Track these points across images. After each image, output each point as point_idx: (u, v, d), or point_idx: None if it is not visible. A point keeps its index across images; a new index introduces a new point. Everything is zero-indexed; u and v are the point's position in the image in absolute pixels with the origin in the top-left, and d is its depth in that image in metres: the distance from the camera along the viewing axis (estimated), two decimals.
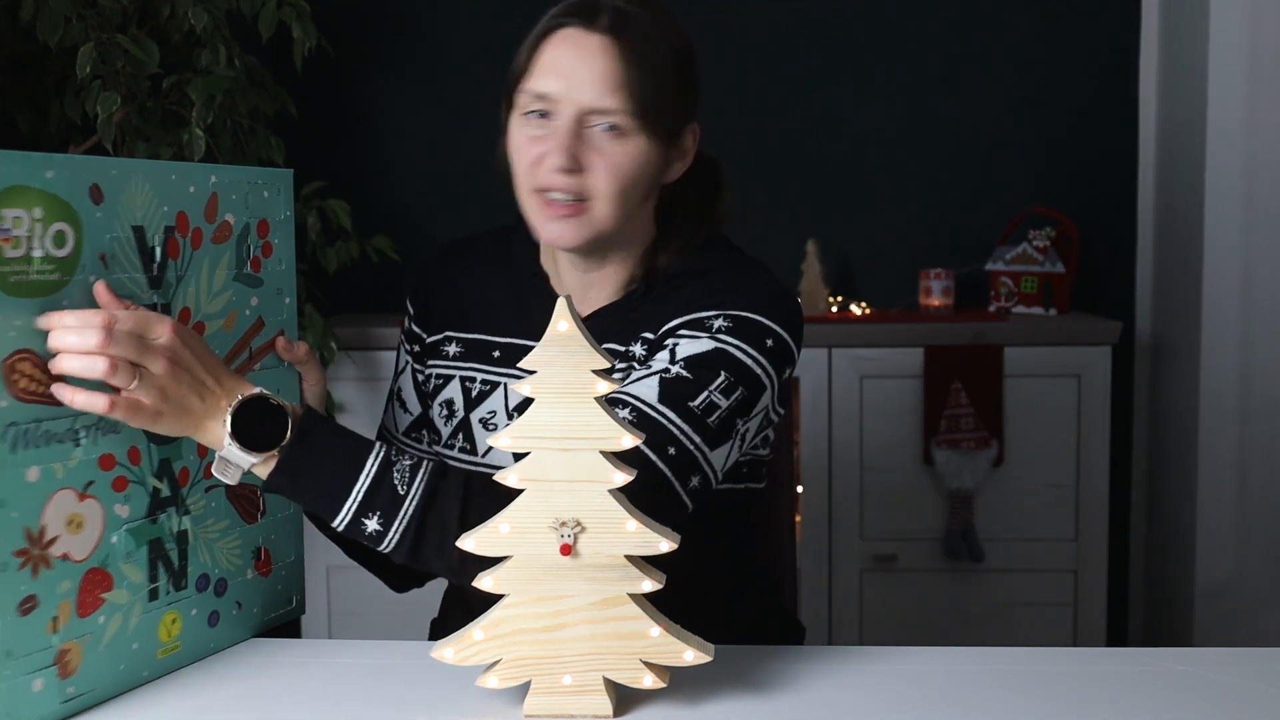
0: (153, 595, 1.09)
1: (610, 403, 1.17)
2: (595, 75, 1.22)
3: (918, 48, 2.96)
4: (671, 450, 1.16)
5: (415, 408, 1.44)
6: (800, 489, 2.65)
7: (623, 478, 0.99)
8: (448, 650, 1.02)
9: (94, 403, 0.98)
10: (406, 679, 1.11)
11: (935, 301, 2.84)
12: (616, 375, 1.25)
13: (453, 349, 1.40)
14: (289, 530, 1.26)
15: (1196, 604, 2.68)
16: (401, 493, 1.09)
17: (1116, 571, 2.94)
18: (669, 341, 1.24)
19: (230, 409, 1.04)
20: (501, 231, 1.44)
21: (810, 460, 2.67)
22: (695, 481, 1.19)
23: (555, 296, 1.35)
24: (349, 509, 1.09)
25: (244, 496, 1.20)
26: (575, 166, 1.23)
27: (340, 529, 1.11)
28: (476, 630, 1.02)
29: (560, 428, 0.98)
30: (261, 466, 1.07)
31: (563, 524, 0.99)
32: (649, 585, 1.00)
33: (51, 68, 2.31)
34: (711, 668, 1.07)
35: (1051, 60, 2.95)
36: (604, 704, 1.02)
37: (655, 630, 1.01)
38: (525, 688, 1.02)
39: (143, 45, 2.07)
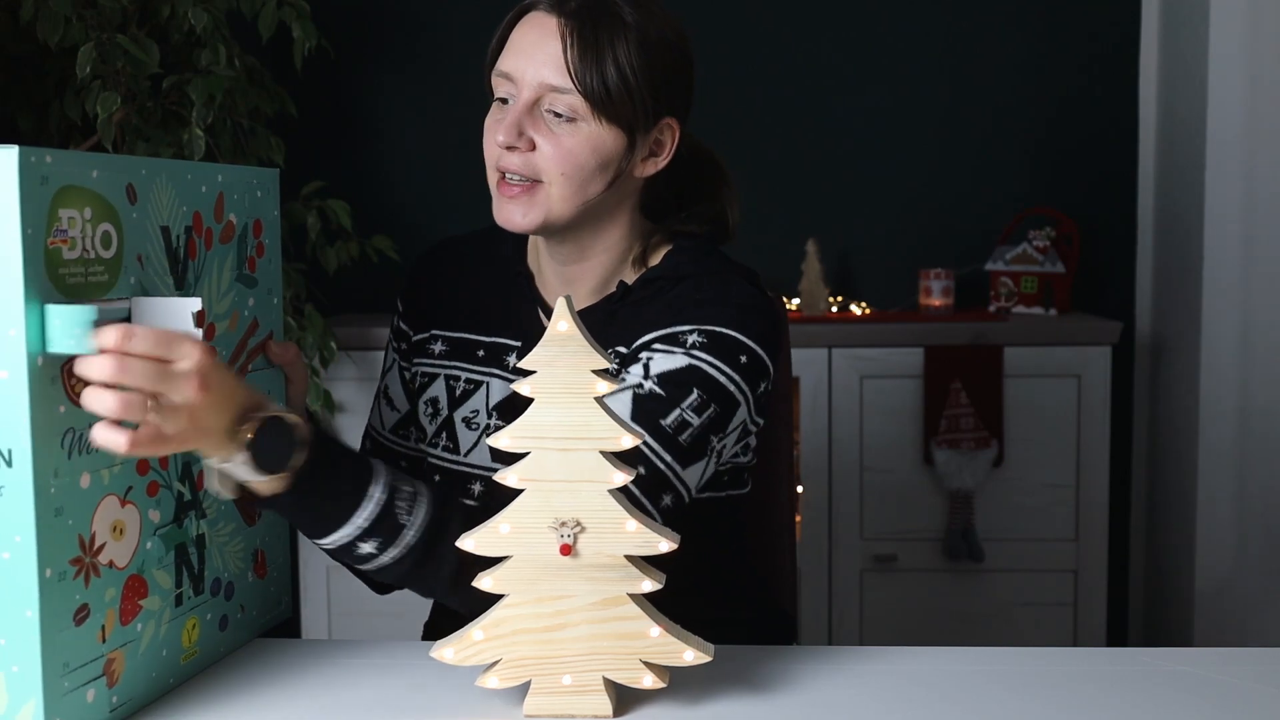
0: (178, 601, 1.08)
1: None
2: (550, 56, 1.22)
3: (917, 47, 2.96)
4: (641, 470, 1.15)
5: (403, 405, 1.44)
6: (800, 489, 2.65)
7: (623, 478, 0.99)
8: (448, 650, 1.02)
9: (112, 440, 0.92)
10: (406, 679, 1.11)
11: (935, 301, 2.83)
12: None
13: (438, 347, 1.40)
14: (279, 532, 1.26)
15: (1196, 604, 2.68)
16: (402, 522, 1.09)
17: (1116, 571, 2.94)
18: (643, 355, 1.23)
19: (251, 432, 1.00)
20: (487, 231, 1.43)
21: (810, 460, 2.67)
22: (667, 500, 1.18)
23: (539, 297, 1.36)
24: (347, 534, 1.09)
25: (245, 500, 1.19)
26: (519, 143, 1.22)
27: (330, 549, 1.11)
28: (476, 630, 1.02)
29: (560, 428, 0.98)
30: (266, 484, 1.05)
31: (563, 524, 0.99)
32: (649, 585, 1.00)
33: (51, 68, 2.31)
34: (711, 668, 1.07)
35: (1051, 60, 2.95)
36: (604, 704, 1.02)
37: (655, 630, 1.01)
38: (525, 688, 1.02)
39: (143, 45, 2.07)
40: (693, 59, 1.30)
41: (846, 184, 2.99)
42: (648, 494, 1.17)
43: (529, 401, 0.99)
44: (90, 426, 0.93)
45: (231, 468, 1.03)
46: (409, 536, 1.10)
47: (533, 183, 1.24)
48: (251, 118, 2.34)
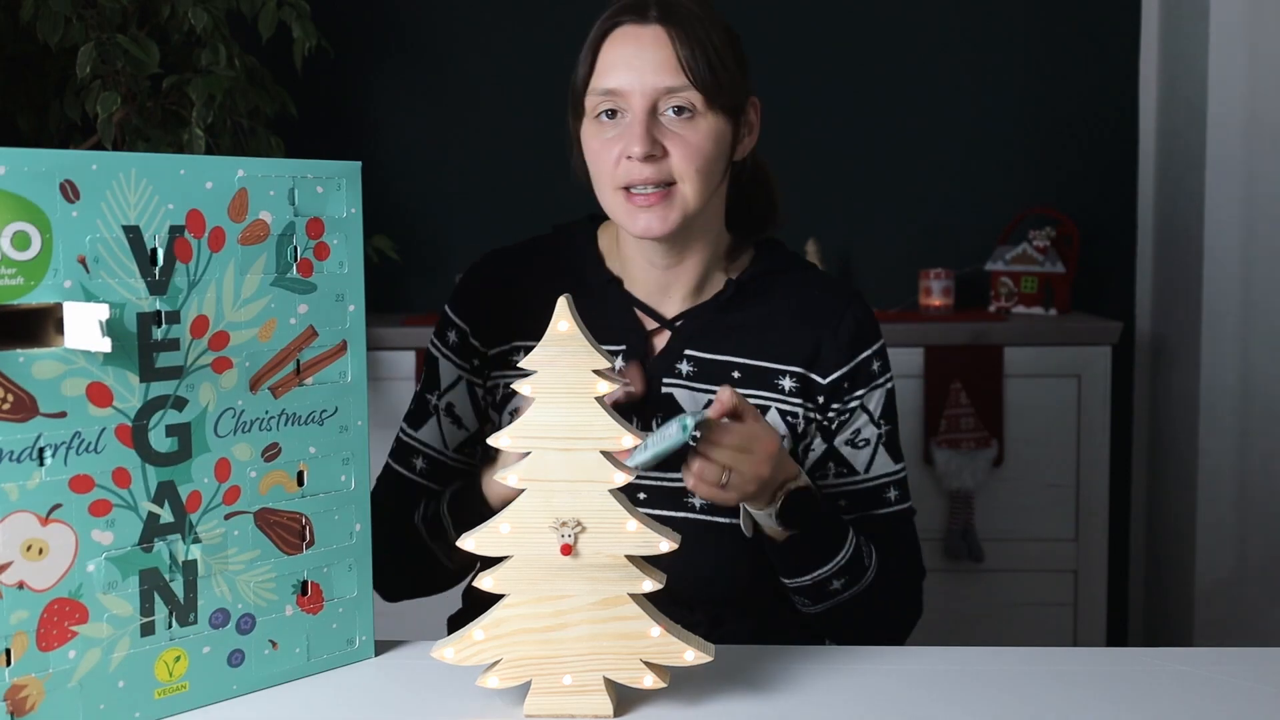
0: (146, 630, 1.01)
1: (877, 490, 1.39)
2: (658, 61, 1.26)
3: (918, 48, 2.96)
4: (905, 477, 1.43)
5: (472, 425, 1.41)
6: None
7: (623, 478, 0.99)
8: (448, 650, 1.02)
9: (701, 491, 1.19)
10: (406, 679, 1.11)
11: (935, 301, 2.84)
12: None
13: (523, 358, 1.38)
14: (348, 563, 1.14)
15: (1196, 604, 2.68)
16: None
17: (1116, 571, 2.94)
18: (854, 404, 1.37)
19: (783, 498, 1.25)
20: (541, 241, 1.44)
21: None
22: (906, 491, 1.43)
23: (633, 300, 1.37)
24: (821, 574, 1.32)
25: (281, 525, 1.10)
26: (656, 151, 1.26)
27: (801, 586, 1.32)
28: (477, 630, 1.02)
29: (561, 428, 0.98)
30: (780, 532, 1.27)
31: (563, 524, 0.99)
32: (649, 585, 1.00)
33: (51, 68, 2.31)
34: (711, 668, 1.07)
35: (1052, 60, 2.95)
36: (604, 704, 1.02)
37: (655, 630, 1.01)
38: (525, 688, 1.02)
39: (143, 45, 2.07)
40: None
41: (846, 184, 2.99)
42: (907, 498, 1.43)
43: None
44: None
45: (761, 516, 1.25)
46: None
47: (666, 187, 1.28)
48: (251, 118, 2.34)
